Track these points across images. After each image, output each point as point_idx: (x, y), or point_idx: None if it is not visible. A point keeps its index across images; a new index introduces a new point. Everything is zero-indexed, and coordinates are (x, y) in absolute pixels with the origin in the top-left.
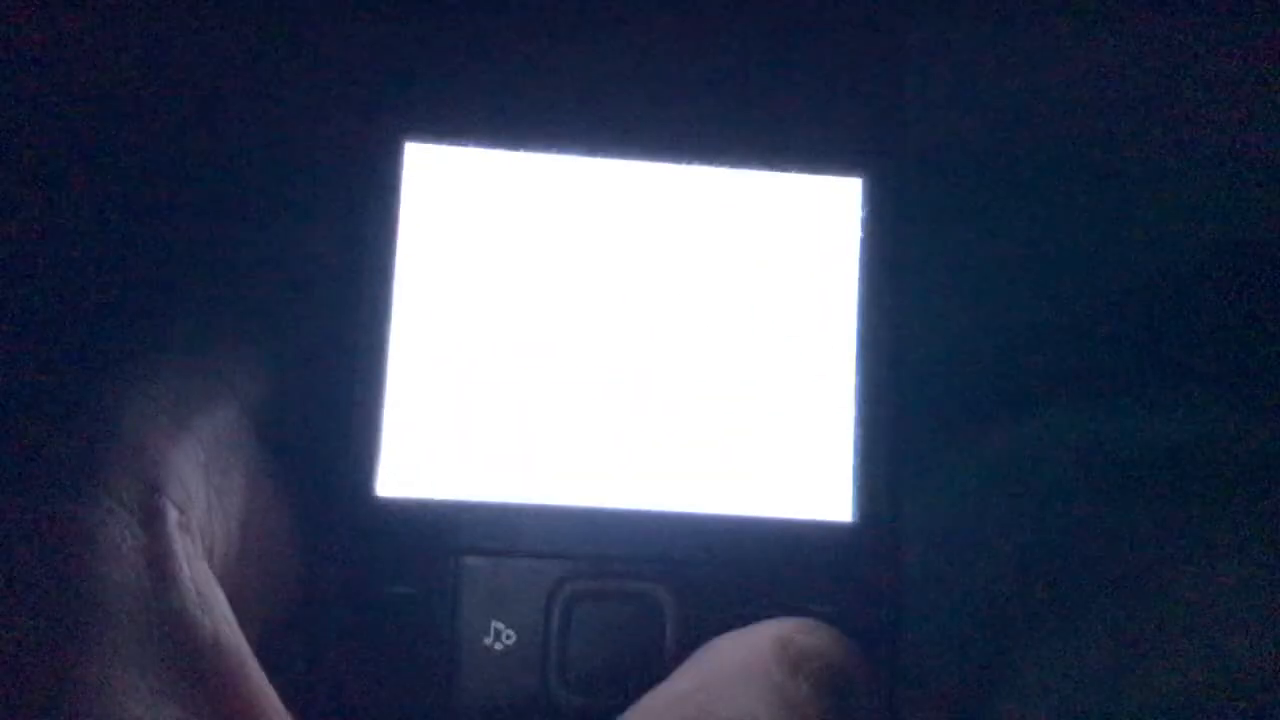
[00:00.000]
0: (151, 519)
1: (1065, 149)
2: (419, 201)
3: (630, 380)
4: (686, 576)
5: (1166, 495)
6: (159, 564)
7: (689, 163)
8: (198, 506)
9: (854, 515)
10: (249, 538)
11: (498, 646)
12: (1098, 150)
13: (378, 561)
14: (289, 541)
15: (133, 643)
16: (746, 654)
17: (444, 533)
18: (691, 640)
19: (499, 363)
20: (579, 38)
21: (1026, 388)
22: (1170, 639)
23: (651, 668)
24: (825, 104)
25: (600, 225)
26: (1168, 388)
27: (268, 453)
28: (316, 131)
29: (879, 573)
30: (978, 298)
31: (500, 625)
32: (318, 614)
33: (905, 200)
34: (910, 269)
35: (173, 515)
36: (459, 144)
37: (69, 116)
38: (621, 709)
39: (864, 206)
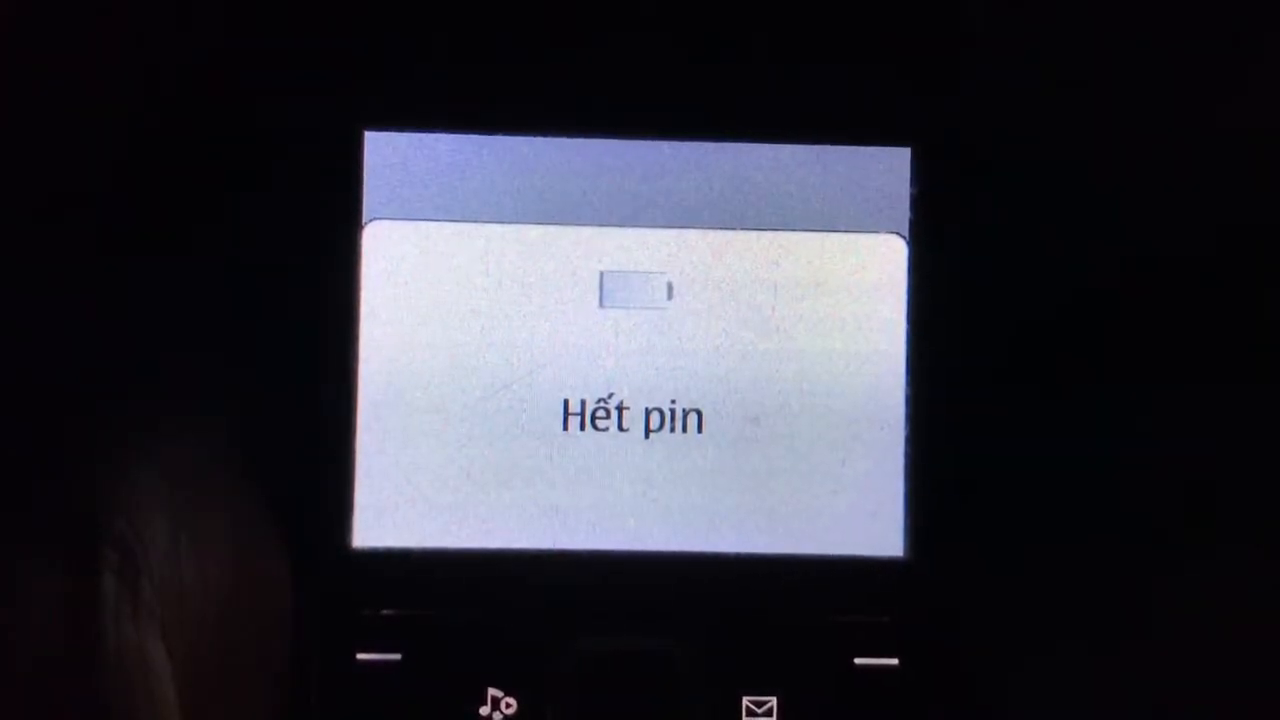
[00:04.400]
0: (83, 570)
1: (1124, 118)
2: (381, 196)
3: (641, 400)
4: (713, 628)
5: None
6: (76, 628)
7: (708, 139)
8: (155, 547)
9: (905, 550)
10: (241, 581)
11: (495, 717)
12: (1158, 120)
13: (356, 622)
14: (283, 587)
15: (26, 709)
16: None
17: (429, 587)
18: (721, 703)
19: (481, 384)
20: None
21: (1087, 399)
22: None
23: None
24: (866, 67)
25: (593, 216)
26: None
27: (253, 489)
28: (271, 125)
29: (935, 614)
30: (1040, 287)
31: (497, 692)
32: (291, 683)
33: (958, 170)
34: (963, 255)
35: (110, 564)
36: (422, 131)
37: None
38: None
39: (913, 181)
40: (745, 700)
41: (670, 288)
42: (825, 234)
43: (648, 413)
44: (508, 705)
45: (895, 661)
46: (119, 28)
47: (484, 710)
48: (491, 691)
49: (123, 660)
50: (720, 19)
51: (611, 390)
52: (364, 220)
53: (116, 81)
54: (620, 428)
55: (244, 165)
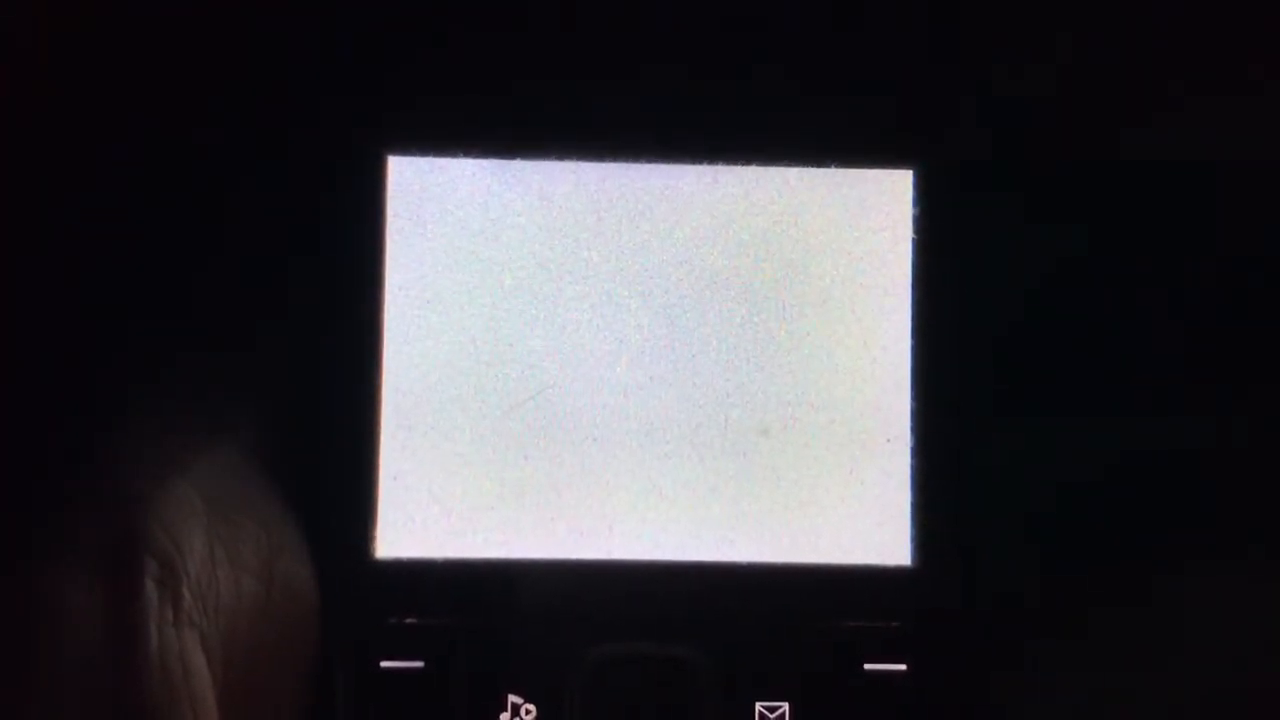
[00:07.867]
0: (122, 581)
1: (1122, 136)
2: (405, 219)
3: (655, 412)
4: (726, 636)
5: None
6: (121, 635)
7: (715, 162)
8: (192, 556)
9: (913, 559)
10: (271, 590)
11: None
12: (1155, 142)
13: (379, 631)
14: (309, 597)
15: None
16: None
17: (450, 596)
18: (735, 709)
19: (503, 399)
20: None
21: (1092, 410)
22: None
23: None
24: (870, 91)
25: (611, 238)
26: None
27: (281, 499)
28: (297, 149)
29: (942, 619)
30: (1041, 303)
31: (517, 699)
32: (317, 690)
33: (960, 192)
34: (967, 272)
35: (150, 574)
36: (445, 156)
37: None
38: None
39: (916, 202)
40: (758, 706)
41: (682, 305)
42: (831, 253)
43: (663, 425)
44: (527, 712)
45: (903, 666)
46: (153, 46)
47: (504, 717)
48: (512, 699)
49: (167, 668)
50: (729, 46)
51: (629, 403)
52: (387, 241)
53: (147, 100)
54: (637, 440)
55: (271, 188)
